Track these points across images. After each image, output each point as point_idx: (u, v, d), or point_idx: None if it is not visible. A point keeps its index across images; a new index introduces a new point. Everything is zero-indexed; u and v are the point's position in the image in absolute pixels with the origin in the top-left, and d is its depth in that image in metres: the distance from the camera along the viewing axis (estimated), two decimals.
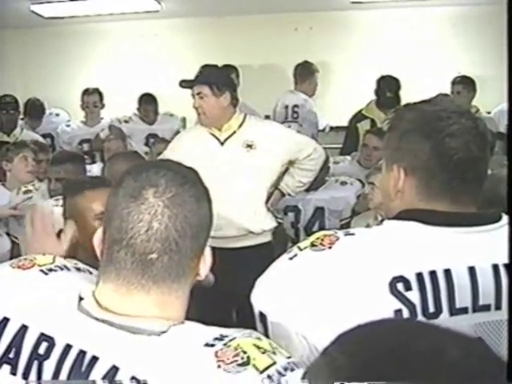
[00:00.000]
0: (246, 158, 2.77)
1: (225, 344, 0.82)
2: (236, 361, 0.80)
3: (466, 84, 4.45)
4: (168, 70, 5.25)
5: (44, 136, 4.75)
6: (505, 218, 1.02)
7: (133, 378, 0.80)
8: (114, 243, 0.87)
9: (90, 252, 0.98)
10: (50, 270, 0.97)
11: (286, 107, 4.69)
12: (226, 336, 0.84)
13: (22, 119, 4.75)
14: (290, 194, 3.12)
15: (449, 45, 5.12)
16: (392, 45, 5.14)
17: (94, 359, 0.83)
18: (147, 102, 4.73)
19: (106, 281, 0.88)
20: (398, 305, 0.93)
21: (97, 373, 0.82)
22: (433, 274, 0.95)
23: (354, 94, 4.72)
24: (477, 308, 0.96)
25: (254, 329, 1.01)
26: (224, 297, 2.82)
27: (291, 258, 1.03)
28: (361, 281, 0.95)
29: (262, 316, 1.01)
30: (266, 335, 1.00)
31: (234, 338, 0.83)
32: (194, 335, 0.84)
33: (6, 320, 0.89)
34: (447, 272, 0.96)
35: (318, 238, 1.02)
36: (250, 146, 2.78)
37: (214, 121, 2.82)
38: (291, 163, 2.95)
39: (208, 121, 2.83)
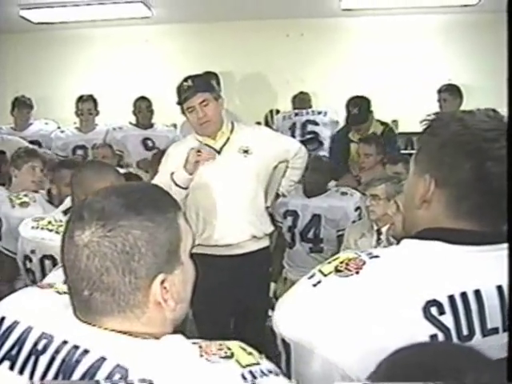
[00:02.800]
0: (244, 163, 2.77)
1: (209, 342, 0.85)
2: (219, 354, 0.82)
3: (452, 91, 4.47)
4: (159, 76, 5.24)
5: (31, 143, 4.68)
6: None
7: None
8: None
9: None
10: (65, 292, 0.98)
11: None
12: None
13: None
14: (284, 195, 3.16)
15: (440, 52, 5.17)
16: (382, 51, 5.17)
17: (85, 352, 0.85)
18: (141, 101, 4.74)
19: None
20: (433, 330, 0.91)
21: (84, 364, 0.84)
22: (464, 295, 0.94)
23: (344, 101, 4.74)
24: (506, 327, 0.94)
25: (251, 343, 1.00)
26: (224, 305, 2.80)
27: (315, 285, 0.98)
28: (394, 307, 0.92)
29: (285, 344, 0.98)
30: (289, 362, 0.98)
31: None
32: (182, 338, 0.87)
33: (15, 323, 0.95)
34: (477, 293, 0.95)
35: (342, 262, 0.98)
36: (246, 152, 2.78)
37: (216, 127, 2.78)
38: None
39: (212, 128, 2.77)
